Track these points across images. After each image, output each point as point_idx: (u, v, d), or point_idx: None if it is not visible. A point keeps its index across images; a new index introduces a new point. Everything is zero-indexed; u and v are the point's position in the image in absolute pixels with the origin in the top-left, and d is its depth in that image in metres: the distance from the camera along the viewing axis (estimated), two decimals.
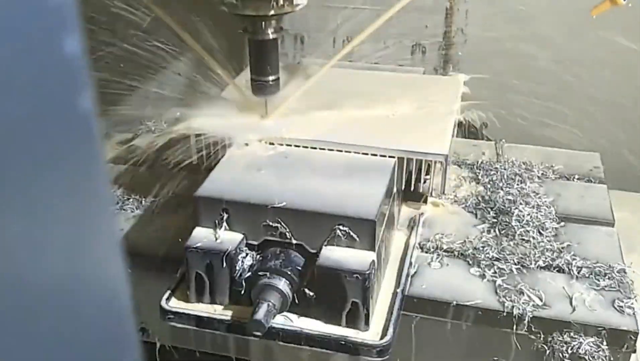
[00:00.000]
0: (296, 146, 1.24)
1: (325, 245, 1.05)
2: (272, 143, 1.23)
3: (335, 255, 1.04)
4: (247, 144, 1.22)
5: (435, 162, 1.25)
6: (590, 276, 1.16)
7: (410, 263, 1.18)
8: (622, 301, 1.10)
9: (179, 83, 1.26)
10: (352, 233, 1.03)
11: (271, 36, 1.13)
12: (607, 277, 1.15)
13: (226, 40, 1.30)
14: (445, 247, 1.22)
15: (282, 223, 1.06)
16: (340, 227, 1.03)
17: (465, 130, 1.71)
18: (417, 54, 1.64)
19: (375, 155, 1.21)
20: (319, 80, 1.35)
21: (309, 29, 1.65)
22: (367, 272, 1.01)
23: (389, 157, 1.21)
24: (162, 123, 1.49)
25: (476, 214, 1.33)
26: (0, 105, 0.28)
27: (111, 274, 0.38)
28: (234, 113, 1.27)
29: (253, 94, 1.20)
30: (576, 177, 1.46)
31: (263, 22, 1.10)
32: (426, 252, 1.22)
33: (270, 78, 1.18)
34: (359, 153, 1.22)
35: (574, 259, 1.19)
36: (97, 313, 0.36)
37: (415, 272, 1.17)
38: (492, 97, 1.56)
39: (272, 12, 1.06)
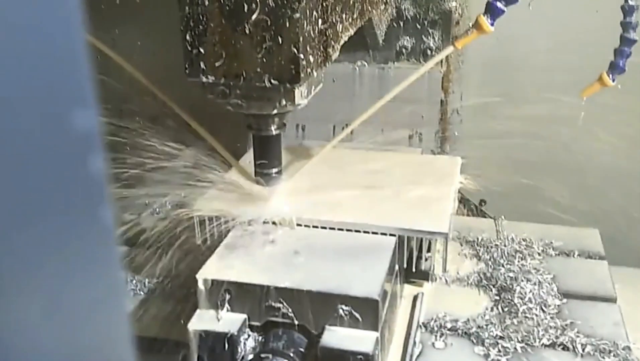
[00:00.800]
0: (298, 225, 1.25)
1: (328, 326, 1.04)
2: (275, 224, 1.25)
3: (338, 335, 1.03)
4: (249, 225, 1.24)
5: (436, 240, 1.26)
6: (595, 353, 1.15)
7: (414, 343, 1.17)
8: None
9: (183, 165, 1.29)
10: (355, 313, 1.03)
11: (274, 132, 1.18)
12: (612, 355, 1.14)
13: (230, 123, 1.34)
14: (448, 325, 1.22)
15: (284, 304, 1.06)
16: (343, 307, 1.04)
17: (465, 207, 1.73)
18: (415, 137, 1.69)
19: (376, 233, 1.23)
20: (320, 160, 1.38)
21: (309, 118, 1.71)
22: (371, 353, 1.00)
23: (390, 235, 1.22)
24: (166, 204, 1.52)
25: (478, 291, 1.33)
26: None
27: (120, 350, 0.39)
28: (237, 195, 1.30)
29: (257, 184, 1.24)
30: (576, 253, 1.47)
31: (267, 120, 1.15)
32: (430, 331, 1.21)
33: (274, 170, 1.22)
34: (360, 232, 1.23)
35: (577, 336, 1.18)
36: None
37: (419, 352, 1.16)
38: (490, 174, 1.60)
39: (275, 111, 1.10)
